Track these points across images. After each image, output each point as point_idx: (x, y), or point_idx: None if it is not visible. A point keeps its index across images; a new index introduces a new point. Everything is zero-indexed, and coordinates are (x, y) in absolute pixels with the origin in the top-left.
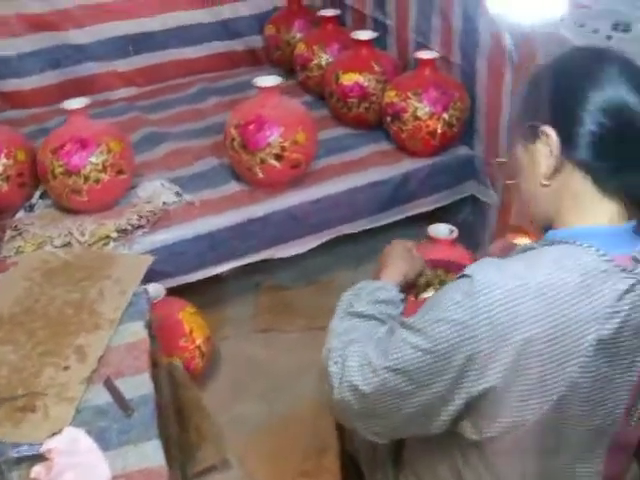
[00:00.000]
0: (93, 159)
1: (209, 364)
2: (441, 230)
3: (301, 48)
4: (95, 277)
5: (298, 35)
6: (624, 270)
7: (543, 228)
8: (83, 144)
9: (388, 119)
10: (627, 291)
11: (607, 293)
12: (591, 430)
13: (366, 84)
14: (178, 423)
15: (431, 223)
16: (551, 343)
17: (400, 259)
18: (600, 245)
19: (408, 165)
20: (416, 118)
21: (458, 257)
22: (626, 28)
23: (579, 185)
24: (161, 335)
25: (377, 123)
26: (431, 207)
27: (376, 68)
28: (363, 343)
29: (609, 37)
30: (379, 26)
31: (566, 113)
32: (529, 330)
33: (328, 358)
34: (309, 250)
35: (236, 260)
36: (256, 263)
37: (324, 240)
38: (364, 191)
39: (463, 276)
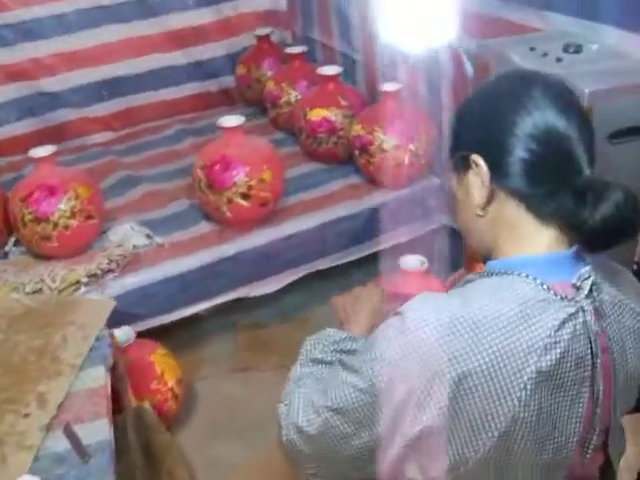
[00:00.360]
0: (62, 205)
1: (183, 406)
2: (412, 262)
3: (270, 86)
4: (59, 323)
5: (268, 73)
6: (564, 298)
7: (484, 259)
8: (51, 191)
9: (356, 153)
10: (567, 320)
11: (546, 323)
12: (541, 465)
13: (333, 119)
14: (149, 467)
15: (406, 254)
16: (488, 378)
17: (370, 309)
18: (538, 274)
19: (378, 198)
20: (382, 151)
21: (429, 289)
22: (577, 49)
23: (514, 213)
24: (132, 378)
25: (347, 157)
26: (404, 239)
27: (343, 102)
28: (311, 385)
29: (559, 59)
30: (348, 60)
31: (495, 141)
32: (464, 366)
33: (280, 401)
34: (285, 287)
35: (209, 300)
36: (233, 302)
37: (297, 277)
38: (335, 226)
39: (397, 313)
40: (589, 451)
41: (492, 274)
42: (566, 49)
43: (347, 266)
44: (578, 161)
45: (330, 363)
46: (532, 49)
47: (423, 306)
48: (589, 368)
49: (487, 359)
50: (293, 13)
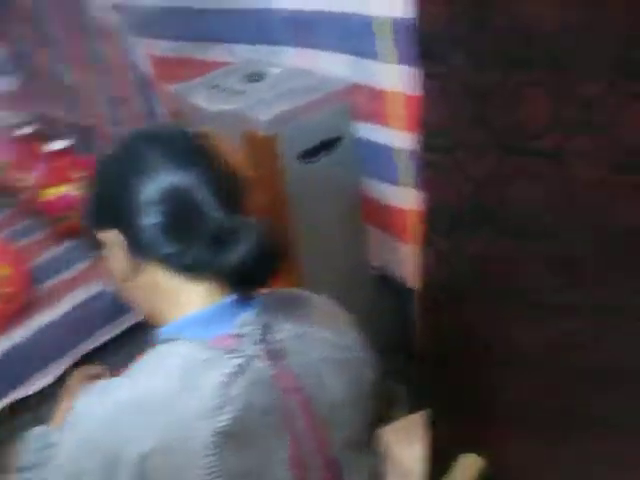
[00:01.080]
0: None
1: None
2: None
3: (8, 172)
4: None
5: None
6: (229, 352)
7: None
8: None
9: None
10: (236, 373)
11: (211, 383)
12: None
13: (72, 193)
14: None
15: None
16: (166, 454)
17: (72, 393)
18: (199, 333)
19: None
20: None
21: None
22: (259, 77)
23: (163, 278)
24: None
25: None
26: None
27: (78, 175)
28: None
29: (240, 92)
30: (76, 130)
31: (122, 214)
32: (139, 447)
33: None
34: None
35: None
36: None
37: (67, 366)
38: (92, 303)
39: (71, 408)
40: None
41: (159, 343)
42: (248, 79)
43: (115, 345)
44: (206, 209)
45: (30, 468)
46: (215, 87)
47: (91, 394)
48: (279, 413)
49: (159, 436)
50: (24, 91)
